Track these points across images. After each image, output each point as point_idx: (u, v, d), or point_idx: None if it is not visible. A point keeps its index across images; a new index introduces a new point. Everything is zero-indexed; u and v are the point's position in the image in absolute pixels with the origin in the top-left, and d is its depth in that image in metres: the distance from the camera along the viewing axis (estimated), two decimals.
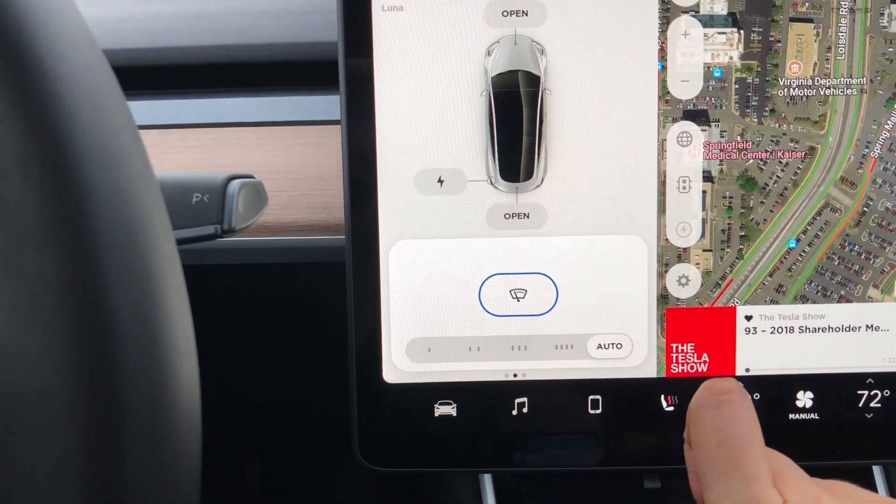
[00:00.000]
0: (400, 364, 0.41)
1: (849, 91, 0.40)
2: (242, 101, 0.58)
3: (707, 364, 0.41)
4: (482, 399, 0.41)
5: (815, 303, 0.41)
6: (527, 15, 0.39)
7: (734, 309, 0.41)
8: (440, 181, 0.40)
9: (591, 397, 0.41)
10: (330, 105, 0.57)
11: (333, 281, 0.43)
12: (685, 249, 0.40)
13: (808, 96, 0.40)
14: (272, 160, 0.53)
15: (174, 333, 0.23)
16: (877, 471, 0.49)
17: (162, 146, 0.53)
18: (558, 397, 0.41)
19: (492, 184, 0.40)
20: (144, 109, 0.56)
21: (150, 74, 0.59)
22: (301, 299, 0.50)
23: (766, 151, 0.40)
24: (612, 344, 0.41)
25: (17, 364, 0.21)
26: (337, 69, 0.39)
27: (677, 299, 0.41)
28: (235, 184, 0.35)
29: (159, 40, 0.60)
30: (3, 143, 0.21)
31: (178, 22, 0.63)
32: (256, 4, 0.69)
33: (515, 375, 0.41)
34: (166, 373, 0.22)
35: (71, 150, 0.21)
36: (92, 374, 0.21)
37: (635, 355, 0.41)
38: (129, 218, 0.23)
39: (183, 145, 0.54)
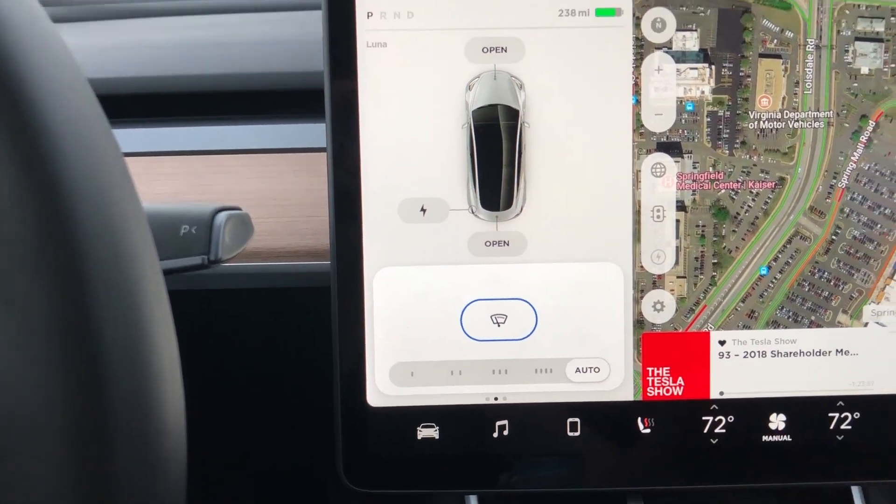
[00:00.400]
0: (383, 388, 0.42)
1: (816, 124, 0.41)
2: (232, 129, 0.59)
3: (682, 387, 0.42)
4: (464, 422, 0.42)
5: (786, 328, 0.42)
6: (506, 51, 0.40)
7: (708, 334, 0.42)
8: (423, 210, 0.41)
9: (570, 420, 0.42)
10: (318, 132, 0.58)
11: (320, 306, 0.44)
12: (660, 276, 0.42)
13: (777, 129, 0.41)
14: (261, 187, 0.54)
15: (161, 363, 0.24)
16: (855, 491, 0.50)
17: (153, 173, 0.54)
18: (538, 420, 0.42)
19: (473, 212, 0.41)
20: (136, 137, 0.57)
21: (141, 103, 0.60)
22: (288, 324, 0.51)
23: (738, 182, 0.41)
24: (590, 368, 0.42)
25: (7, 390, 0.22)
26: (324, 98, 0.41)
27: (653, 324, 0.42)
28: (222, 216, 0.36)
29: (150, 69, 0.62)
30: (8, 202, 0.22)
31: (168, 51, 0.64)
32: (245, 34, 0.70)
33: (496, 399, 0.42)
34: (153, 401, 0.24)
35: (61, 186, 0.23)
36: (80, 402, 0.23)
37: (612, 379, 0.42)
38: (117, 250, 0.24)
39: (174, 172, 0.55)
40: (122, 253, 0.24)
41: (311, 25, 0.65)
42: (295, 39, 0.66)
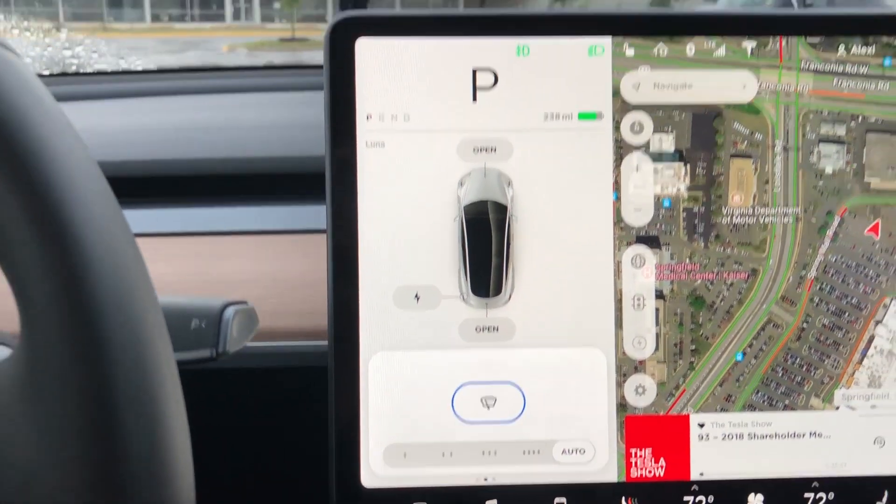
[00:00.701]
0: (377, 469, 0.43)
1: (785, 219, 0.44)
2: (231, 211, 0.62)
3: (664, 468, 0.44)
4: (455, 503, 0.44)
5: (762, 411, 0.44)
6: (495, 151, 0.43)
7: (688, 417, 0.44)
8: (417, 297, 0.43)
9: (556, 500, 0.44)
10: (314, 213, 0.60)
11: (316, 385, 0.46)
12: (641, 361, 0.44)
13: (749, 224, 0.44)
14: (260, 268, 0.56)
15: (177, 460, 0.26)
16: None
17: (155, 255, 0.56)
18: (526, 501, 0.44)
19: (464, 300, 0.43)
20: (137, 218, 0.59)
21: (142, 185, 0.63)
22: (285, 403, 0.53)
23: (713, 273, 0.44)
24: (576, 449, 0.44)
25: (40, 485, 0.24)
26: (323, 181, 0.43)
27: (635, 408, 0.44)
28: (230, 311, 0.38)
29: (153, 153, 0.64)
30: (40, 305, 0.24)
31: (170, 135, 0.68)
32: (246, 117, 0.73)
33: (486, 479, 0.44)
34: (169, 496, 0.25)
35: (95, 307, 0.25)
36: (105, 498, 0.24)
37: (597, 460, 0.44)
38: (138, 351, 0.26)
39: (176, 254, 0.57)
40: (143, 353, 0.26)
41: (312, 107, 0.69)
42: (296, 123, 0.69)
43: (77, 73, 0.93)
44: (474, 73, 0.43)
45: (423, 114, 0.43)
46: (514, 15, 0.43)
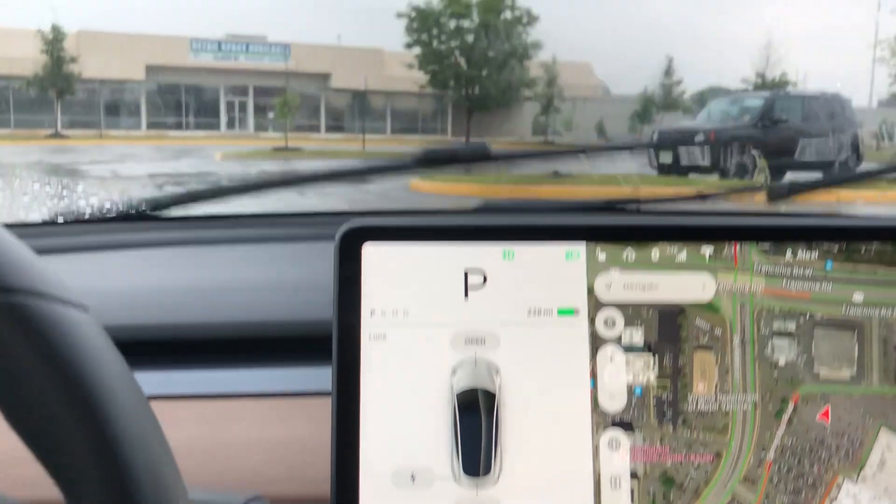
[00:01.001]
0: None
1: (745, 406, 0.49)
2: (236, 374, 0.66)
3: None
4: None
5: None
6: (484, 343, 0.48)
7: None
8: (413, 477, 0.47)
9: None
10: (319, 376, 0.65)
11: None
12: None
13: (712, 410, 0.49)
14: (264, 432, 0.60)
15: None
16: None
17: (164, 418, 0.60)
18: None
19: (456, 480, 0.47)
20: (147, 381, 0.64)
21: (154, 348, 0.67)
22: None
23: (681, 455, 0.48)
24: None
25: None
26: (326, 343, 0.47)
27: None
28: None
29: (164, 317, 0.69)
30: None
31: (181, 298, 0.72)
32: (253, 277, 0.79)
33: None
34: None
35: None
36: None
37: None
38: None
39: (184, 417, 0.61)
40: None
41: (319, 261, 0.73)
42: (302, 283, 0.74)
43: (89, 221, 0.99)
44: (466, 274, 0.48)
45: (420, 309, 0.48)
46: (501, 225, 0.49)
